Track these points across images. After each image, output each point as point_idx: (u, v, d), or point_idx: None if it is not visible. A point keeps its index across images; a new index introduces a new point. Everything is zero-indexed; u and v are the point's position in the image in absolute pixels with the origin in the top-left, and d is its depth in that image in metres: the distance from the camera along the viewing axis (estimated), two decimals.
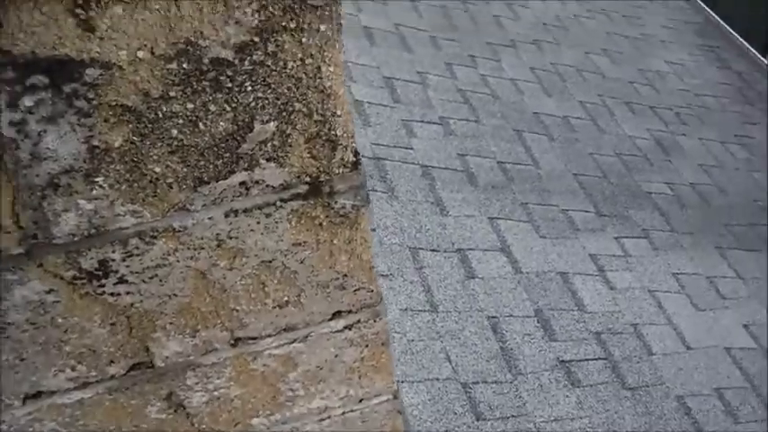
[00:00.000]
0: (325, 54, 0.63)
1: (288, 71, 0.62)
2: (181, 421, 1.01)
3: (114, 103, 0.59)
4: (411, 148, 2.59)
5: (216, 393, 0.99)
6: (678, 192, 3.26)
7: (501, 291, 2.24)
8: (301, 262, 0.82)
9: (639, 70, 4.12)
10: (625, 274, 2.55)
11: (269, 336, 0.92)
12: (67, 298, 0.74)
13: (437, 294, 2.08)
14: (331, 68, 0.64)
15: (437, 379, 1.82)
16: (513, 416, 1.85)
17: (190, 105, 0.61)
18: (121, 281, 0.75)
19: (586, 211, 2.86)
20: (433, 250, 2.22)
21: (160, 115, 0.61)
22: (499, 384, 1.92)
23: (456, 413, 1.77)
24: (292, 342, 0.95)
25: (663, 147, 3.54)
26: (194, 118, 0.62)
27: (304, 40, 0.60)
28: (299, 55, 0.62)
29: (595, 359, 2.20)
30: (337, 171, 0.73)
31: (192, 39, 0.57)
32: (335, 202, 0.76)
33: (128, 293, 0.76)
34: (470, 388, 1.87)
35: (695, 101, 4.00)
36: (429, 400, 1.76)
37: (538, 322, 2.20)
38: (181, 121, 0.62)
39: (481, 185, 2.63)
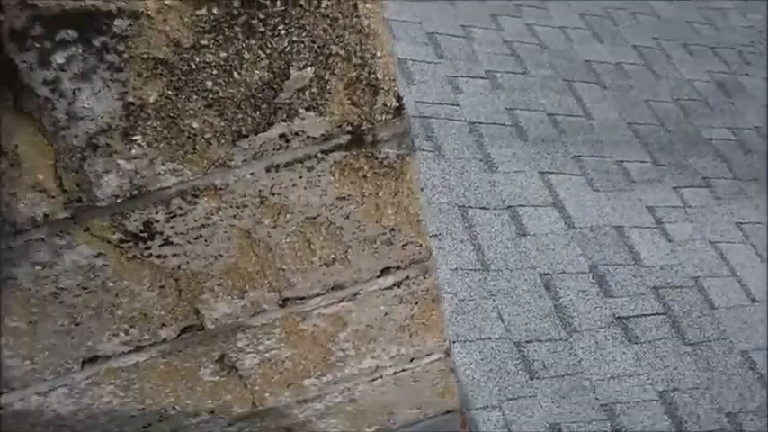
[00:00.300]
0: None
1: (322, 10, 0.58)
2: (234, 383, 1.02)
3: (146, 56, 0.56)
4: (457, 105, 2.52)
5: (267, 355, 0.98)
6: (741, 137, 3.08)
7: (554, 247, 2.17)
8: (347, 217, 0.80)
9: (698, 9, 3.88)
10: (685, 225, 2.44)
11: (317, 295, 0.90)
12: (116, 261, 0.74)
13: (488, 253, 2.03)
14: (368, 5, 0.60)
15: (489, 338, 1.80)
16: (567, 374, 1.81)
17: (223, 54, 0.58)
18: (167, 242, 0.74)
19: (642, 162, 2.74)
20: (483, 208, 2.17)
21: (193, 66, 0.58)
22: (553, 342, 1.88)
23: (509, 372, 1.74)
24: (341, 301, 0.93)
25: (724, 89, 3.34)
26: (228, 67, 0.60)
27: None
28: None
29: (653, 314, 2.12)
30: (380, 118, 0.69)
31: None
32: (379, 152, 0.73)
33: (174, 255, 0.75)
34: (524, 347, 1.83)
35: (759, 37, 3.75)
36: (481, 360, 1.74)
37: (593, 278, 2.13)
38: (215, 72, 0.60)
39: (531, 140, 2.54)
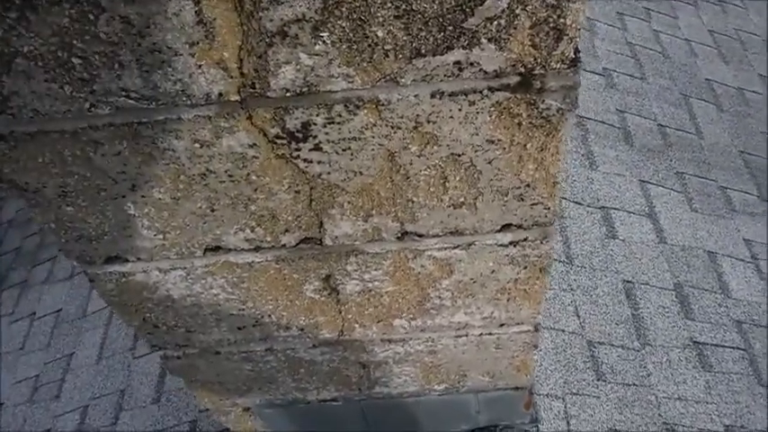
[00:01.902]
0: None
1: None
2: (330, 306, 1.05)
3: None
4: None
5: (370, 285, 1.00)
6: None
7: (641, 257, 2.11)
8: (489, 162, 0.79)
9: None
10: None
11: (435, 236, 0.91)
12: (265, 156, 0.76)
13: (574, 247, 1.99)
14: None
15: (563, 330, 1.77)
16: (635, 384, 1.77)
17: None
18: (317, 147, 0.76)
19: (747, 193, 2.60)
20: (577, 203, 2.12)
21: None
22: (625, 350, 1.83)
23: (577, 368, 1.71)
24: (455, 247, 0.94)
25: None
26: None
27: None
28: None
29: (733, 348, 2.03)
30: (555, 66, 0.68)
31: None
32: (542, 101, 0.72)
33: (319, 162, 0.78)
34: (595, 347, 1.79)
35: None
36: (552, 350, 1.72)
37: (676, 297, 2.06)
38: None
39: (637, 146, 2.46)
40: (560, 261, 1.92)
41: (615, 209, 2.19)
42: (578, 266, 1.96)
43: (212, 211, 0.83)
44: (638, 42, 2.93)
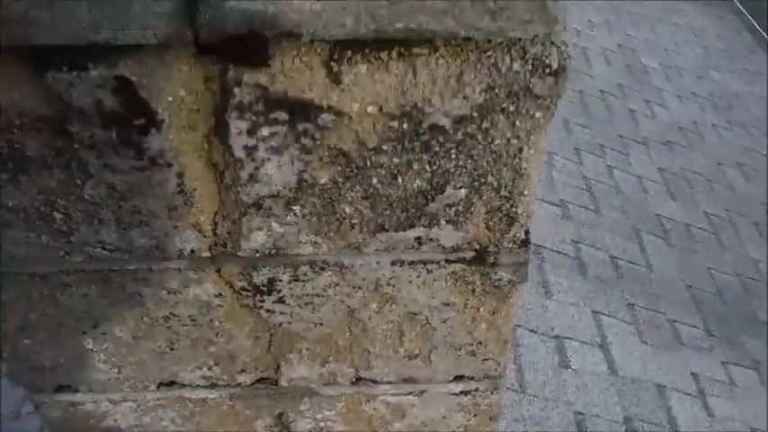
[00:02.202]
0: (531, 138, 0.65)
1: (492, 147, 0.66)
2: None
3: (333, 146, 0.64)
4: None
5: (322, 424, 1.01)
6: None
7: (592, 388, 2.15)
8: (444, 321, 0.84)
9: None
10: (728, 403, 2.38)
11: (389, 382, 0.94)
12: (230, 305, 0.79)
13: (527, 376, 2.03)
14: (532, 152, 0.67)
15: None
16: None
17: (396, 160, 0.66)
18: (280, 300, 0.79)
19: (695, 327, 2.71)
20: (532, 331, 2.18)
21: (368, 164, 0.66)
22: None
23: None
24: (408, 394, 0.96)
25: None
26: (396, 172, 0.67)
27: (517, 122, 0.64)
28: (508, 135, 0.65)
29: None
30: (507, 245, 0.75)
31: (420, 104, 0.61)
32: (495, 273, 0.78)
33: (281, 313, 0.81)
34: None
35: None
36: None
37: (625, 430, 2.09)
38: (383, 172, 0.67)
39: (590, 276, 2.56)
40: (513, 390, 1.95)
41: (568, 338, 2.25)
42: (531, 396, 1.98)
43: (171, 350, 0.85)
44: (593, 176, 3.12)
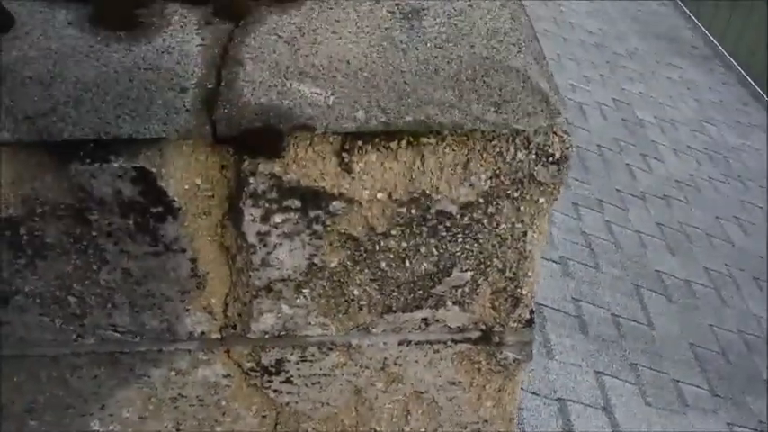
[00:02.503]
0: (535, 222, 0.67)
1: (498, 231, 0.67)
2: None
3: (343, 231, 0.66)
4: None
5: None
6: None
7: None
8: (450, 400, 0.84)
9: None
10: None
11: None
12: (237, 385, 0.79)
13: None
14: (536, 235, 0.69)
15: None
16: None
17: (404, 244, 0.67)
18: (288, 381, 0.79)
19: (699, 387, 2.68)
20: (534, 393, 2.15)
21: (376, 248, 0.67)
22: None
23: None
24: None
25: None
26: (404, 255, 0.68)
27: (522, 207, 0.66)
28: (513, 219, 0.67)
29: None
30: (512, 325, 0.76)
31: (428, 191, 0.63)
32: (500, 353, 0.79)
33: (288, 393, 0.81)
34: None
35: None
36: None
37: None
38: (391, 256, 0.68)
39: (591, 335, 2.55)
40: None
41: (571, 401, 2.22)
42: None
43: (178, 430, 0.84)
44: (593, 233, 3.14)
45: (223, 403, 0.81)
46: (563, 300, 2.62)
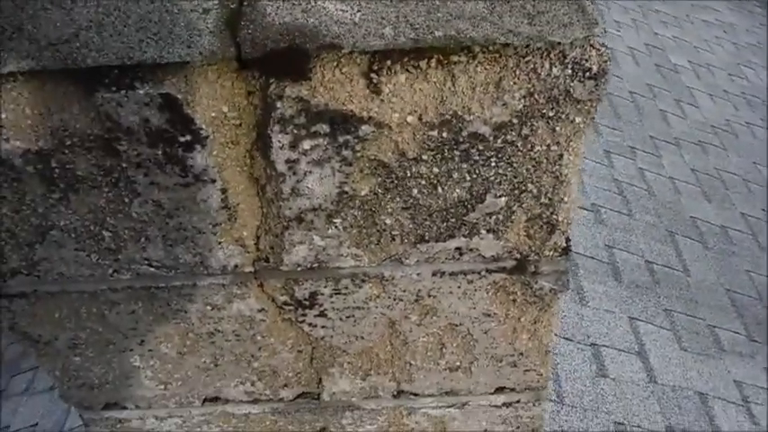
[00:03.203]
0: (572, 144, 0.65)
1: (532, 153, 0.65)
2: None
3: (373, 157, 0.64)
4: None
5: None
6: None
7: (632, 397, 2.10)
8: (485, 332, 0.83)
9: None
10: None
11: (431, 395, 0.93)
12: (272, 319, 0.80)
13: (565, 386, 1.99)
14: (572, 157, 0.66)
15: None
16: None
17: (435, 170, 0.66)
18: (322, 314, 0.79)
19: (736, 333, 2.64)
20: (567, 339, 2.14)
21: (408, 174, 0.66)
22: None
23: None
24: (450, 406, 0.95)
25: None
26: (436, 182, 0.67)
27: (557, 128, 0.63)
28: (548, 141, 0.64)
29: None
30: (547, 253, 0.74)
31: (459, 112, 0.61)
32: (536, 282, 0.77)
33: (323, 327, 0.81)
34: None
35: None
36: None
37: None
38: (423, 182, 0.67)
39: (625, 282, 2.52)
40: (551, 400, 1.92)
41: (605, 346, 2.21)
42: (569, 406, 1.95)
43: (216, 365, 0.86)
44: (625, 180, 3.07)
45: (259, 338, 0.82)
46: (595, 247, 2.59)
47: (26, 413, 2.55)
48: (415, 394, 0.92)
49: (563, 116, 0.63)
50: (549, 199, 0.70)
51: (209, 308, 0.78)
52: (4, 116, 0.57)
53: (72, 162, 0.61)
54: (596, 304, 2.34)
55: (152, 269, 0.72)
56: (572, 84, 0.60)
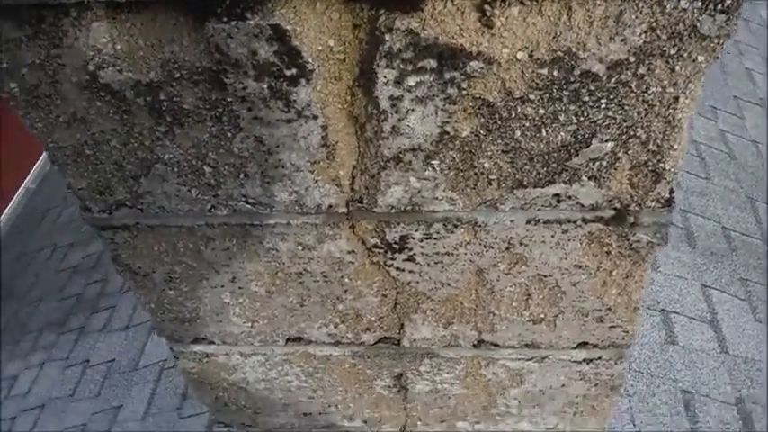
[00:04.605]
0: (690, 86, 0.61)
1: (646, 96, 0.62)
2: (397, 402, 1.06)
3: (478, 96, 0.62)
4: None
5: (439, 387, 1.01)
6: None
7: (701, 366, 2.05)
8: (574, 285, 0.81)
9: None
10: None
11: (511, 347, 0.92)
12: (360, 262, 0.80)
13: (632, 350, 1.95)
14: (687, 101, 0.62)
15: None
16: None
17: (541, 111, 0.63)
18: (410, 259, 0.79)
19: None
20: None
21: (512, 115, 0.64)
22: None
23: None
24: (529, 359, 0.94)
25: None
26: (540, 124, 0.64)
27: (677, 67, 0.59)
28: (665, 82, 0.61)
29: None
30: (650, 204, 0.71)
31: (573, 49, 0.58)
32: (634, 235, 0.74)
33: (410, 272, 0.81)
34: None
35: None
36: None
37: (737, 413, 1.98)
38: (527, 124, 0.64)
39: (699, 248, 2.43)
40: None
41: (675, 312, 2.15)
42: (636, 371, 1.91)
43: (302, 306, 0.87)
44: (704, 141, 2.93)
45: (346, 280, 0.83)
46: None
47: (103, 349, 2.70)
48: (496, 345, 0.92)
49: (685, 54, 0.59)
50: (658, 146, 0.66)
51: (300, 248, 0.78)
52: (118, 47, 0.58)
53: (179, 95, 0.62)
54: (668, 270, 2.27)
55: (248, 206, 0.73)
56: (700, 18, 0.56)
